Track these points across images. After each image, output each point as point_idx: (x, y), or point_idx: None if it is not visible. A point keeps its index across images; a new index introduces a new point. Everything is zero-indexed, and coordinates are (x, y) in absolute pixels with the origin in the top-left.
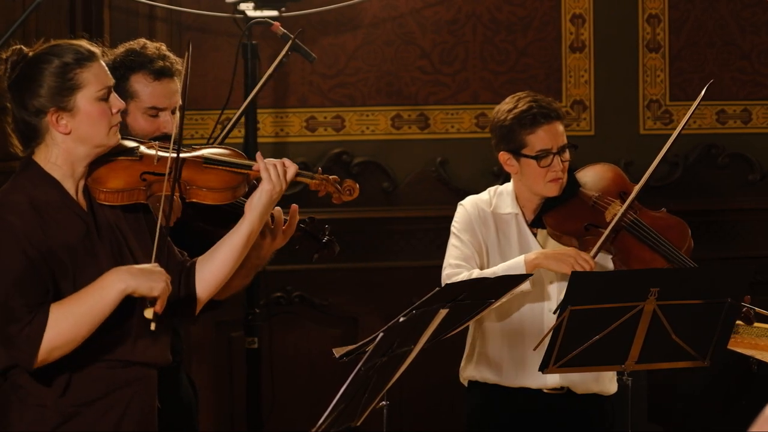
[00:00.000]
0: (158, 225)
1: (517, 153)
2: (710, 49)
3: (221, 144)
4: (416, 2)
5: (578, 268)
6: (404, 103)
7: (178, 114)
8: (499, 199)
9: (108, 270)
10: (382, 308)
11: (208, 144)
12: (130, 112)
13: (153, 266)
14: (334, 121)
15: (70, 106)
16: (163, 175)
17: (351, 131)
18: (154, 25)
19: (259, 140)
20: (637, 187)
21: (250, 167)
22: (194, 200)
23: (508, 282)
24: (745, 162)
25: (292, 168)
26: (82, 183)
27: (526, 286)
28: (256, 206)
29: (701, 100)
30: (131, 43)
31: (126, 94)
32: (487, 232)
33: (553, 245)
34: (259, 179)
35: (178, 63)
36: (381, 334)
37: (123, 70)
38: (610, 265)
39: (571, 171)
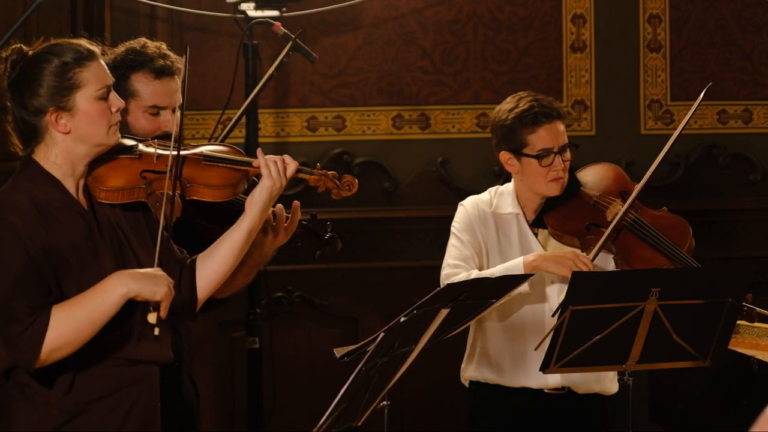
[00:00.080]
0: (160, 229)
1: (518, 152)
2: (711, 49)
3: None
4: (417, 2)
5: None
6: (405, 103)
7: (178, 113)
8: (499, 199)
9: (110, 269)
10: (382, 308)
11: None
12: (131, 111)
13: (156, 270)
14: (335, 121)
15: (70, 106)
16: (163, 173)
17: (352, 131)
18: (155, 25)
19: (260, 140)
20: (638, 186)
21: (249, 164)
22: (194, 198)
23: (509, 282)
24: (746, 162)
25: (292, 164)
26: (82, 182)
27: (524, 287)
28: (256, 203)
29: (702, 100)
30: (132, 42)
31: (127, 93)
32: (488, 232)
33: (554, 245)
34: (259, 176)
35: (179, 62)
36: (382, 334)
37: (123, 69)
38: (611, 267)
39: (572, 171)
